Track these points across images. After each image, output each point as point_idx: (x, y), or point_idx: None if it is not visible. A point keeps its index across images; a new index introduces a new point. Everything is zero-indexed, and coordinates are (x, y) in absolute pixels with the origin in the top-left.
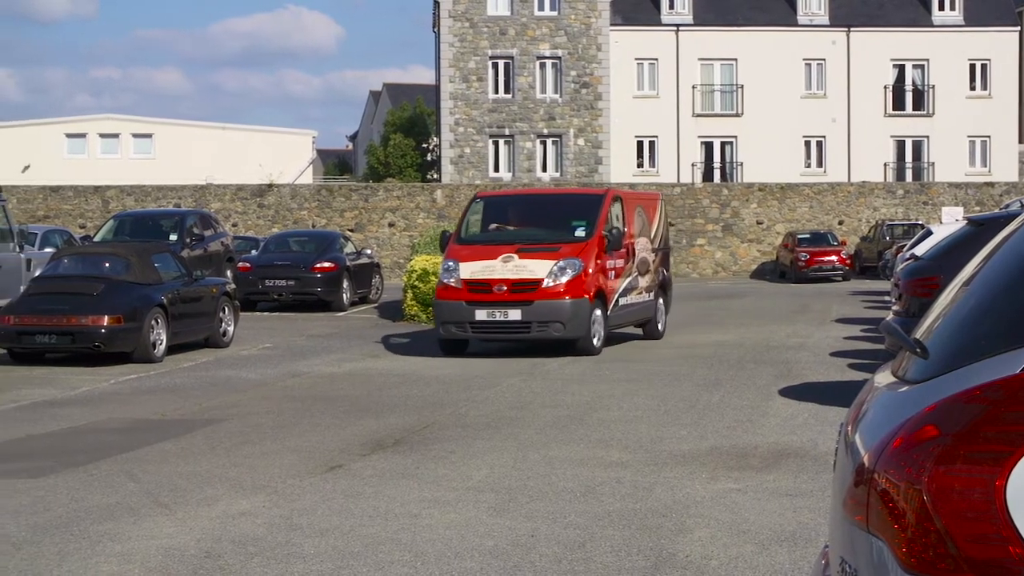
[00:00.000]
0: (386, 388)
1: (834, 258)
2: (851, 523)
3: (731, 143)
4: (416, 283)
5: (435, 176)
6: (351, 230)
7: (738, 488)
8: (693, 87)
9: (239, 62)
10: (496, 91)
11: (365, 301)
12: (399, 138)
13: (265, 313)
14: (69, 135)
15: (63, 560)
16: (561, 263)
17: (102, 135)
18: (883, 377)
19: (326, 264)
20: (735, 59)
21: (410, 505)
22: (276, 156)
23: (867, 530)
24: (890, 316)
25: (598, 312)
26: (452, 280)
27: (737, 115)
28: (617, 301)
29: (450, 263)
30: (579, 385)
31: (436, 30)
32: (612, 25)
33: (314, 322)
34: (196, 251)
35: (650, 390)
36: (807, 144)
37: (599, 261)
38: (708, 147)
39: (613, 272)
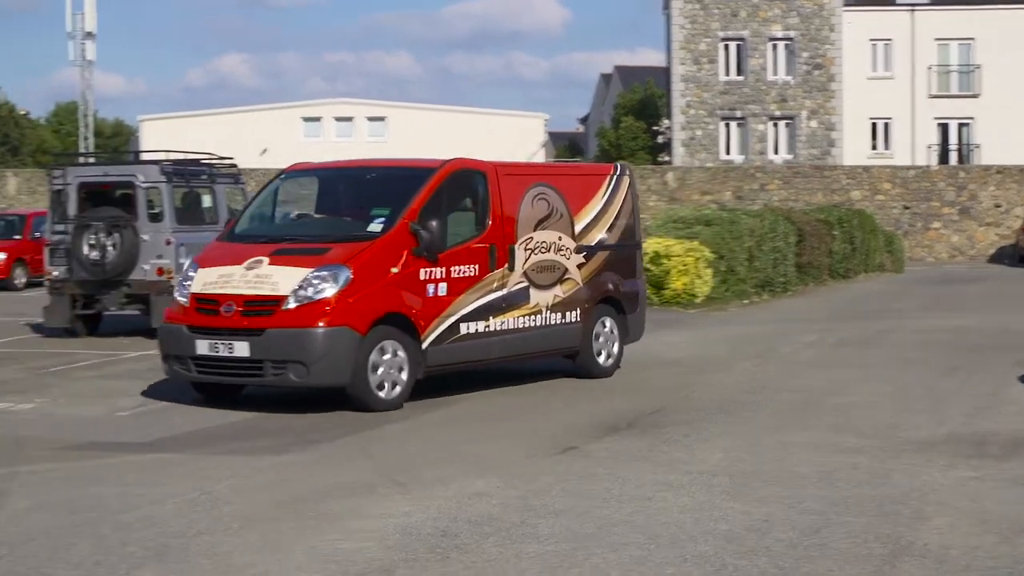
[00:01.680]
0: (619, 370)
1: None
2: None
3: (968, 124)
4: (648, 266)
5: (666, 159)
6: None
7: (977, 476)
8: (929, 68)
9: (468, 45)
10: (727, 73)
11: None
12: (630, 120)
13: None
14: (305, 119)
15: (303, 536)
16: (319, 272)
17: (337, 119)
18: None
19: None
20: (972, 39)
21: (644, 488)
22: (508, 138)
23: None
24: None
25: (390, 346)
26: (183, 295)
27: (974, 96)
28: (455, 327)
29: (191, 269)
30: (814, 370)
31: (666, 12)
32: (845, 6)
33: None
34: None
35: (886, 375)
36: None
37: (398, 269)
38: (944, 128)
39: (442, 284)
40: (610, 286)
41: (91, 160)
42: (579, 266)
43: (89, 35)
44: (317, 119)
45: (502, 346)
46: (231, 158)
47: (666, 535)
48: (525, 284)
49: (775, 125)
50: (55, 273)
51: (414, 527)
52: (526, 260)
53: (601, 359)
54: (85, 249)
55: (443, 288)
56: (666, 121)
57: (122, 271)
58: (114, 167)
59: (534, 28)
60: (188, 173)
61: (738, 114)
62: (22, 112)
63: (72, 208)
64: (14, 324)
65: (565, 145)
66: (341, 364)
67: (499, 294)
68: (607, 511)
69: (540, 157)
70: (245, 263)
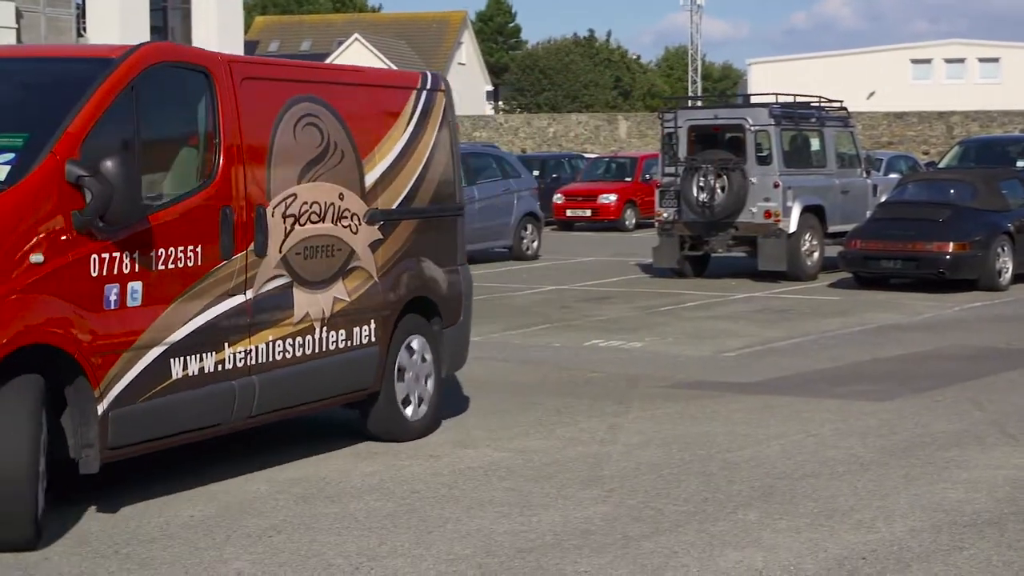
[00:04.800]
0: None
1: None
2: None
3: None
4: None
5: None
6: None
7: None
8: None
9: None
10: None
11: None
12: None
13: None
14: (914, 61)
15: (909, 483)
16: None
17: (947, 60)
18: None
19: None
20: None
21: None
22: None
23: None
24: None
25: (20, 403)
26: None
27: None
28: (160, 367)
29: None
30: None
31: None
32: None
33: None
34: None
35: None
36: None
37: (44, 256)
38: None
39: (135, 285)
40: (419, 281)
41: (700, 103)
42: (372, 246)
43: None
44: (926, 61)
45: (248, 398)
46: (841, 101)
47: None
48: (284, 280)
49: None
50: (664, 215)
51: None
52: (286, 236)
53: (409, 410)
54: (694, 191)
55: (136, 291)
56: None
57: (730, 213)
58: (724, 110)
59: None
60: (797, 116)
61: None
62: (633, 57)
63: (682, 151)
64: (624, 264)
65: None
66: None
67: (239, 300)
68: None
69: None
70: None
